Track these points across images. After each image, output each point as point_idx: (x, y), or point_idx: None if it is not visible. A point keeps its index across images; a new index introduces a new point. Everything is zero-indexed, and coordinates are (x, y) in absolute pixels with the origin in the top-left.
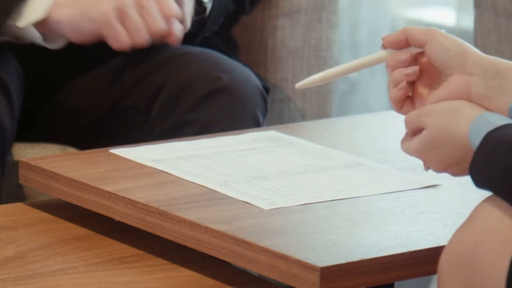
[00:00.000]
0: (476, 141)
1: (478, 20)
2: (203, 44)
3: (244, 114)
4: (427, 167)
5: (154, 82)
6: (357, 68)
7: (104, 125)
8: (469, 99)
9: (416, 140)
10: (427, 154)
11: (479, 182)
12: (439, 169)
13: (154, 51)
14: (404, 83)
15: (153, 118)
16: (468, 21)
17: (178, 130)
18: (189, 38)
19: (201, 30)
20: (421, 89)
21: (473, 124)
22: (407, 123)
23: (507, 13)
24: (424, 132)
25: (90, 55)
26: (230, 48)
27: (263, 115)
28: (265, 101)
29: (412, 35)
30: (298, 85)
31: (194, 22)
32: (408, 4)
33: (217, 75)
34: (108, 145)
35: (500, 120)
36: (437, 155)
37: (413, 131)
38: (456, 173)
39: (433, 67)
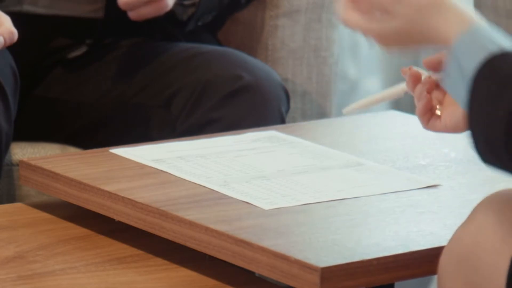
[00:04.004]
0: (467, 64)
1: None
2: (194, 39)
3: (270, 111)
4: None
5: (172, 81)
6: (398, 95)
7: (112, 123)
8: None
9: (379, 27)
10: (386, 40)
11: (475, 130)
12: (392, 47)
13: (168, 50)
14: (424, 94)
15: (173, 117)
16: None
17: (202, 128)
18: (180, 26)
19: (192, 17)
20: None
21: (462, 41)
22: None
23: (507, 13)
24: (392, 23)
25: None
26: (220, 45)
27: (286, 112)
28: (287, 97)
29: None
30: (346, 110)
31: (185, 8)
32: None
33: (238, 74)
34: (117, 143)
35: (491, 40)
36: (399, 44)
37: (370, 8)
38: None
39: None
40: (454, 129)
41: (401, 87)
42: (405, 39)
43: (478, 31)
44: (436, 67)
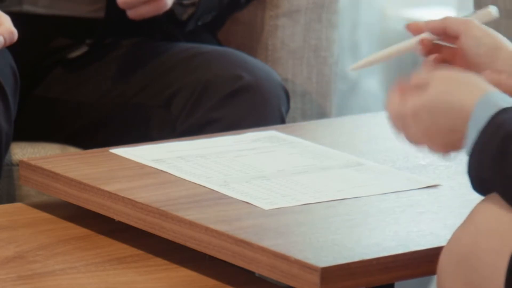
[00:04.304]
0: (482, 120)
1: None
2: (194, 39)
3: (270, 111)
4: (407, 137)
5: (172, 81)
6: (399, 53)
7: (112, 123)
8: None
9: (415, 101)
10: (420, 117)
11: (473, 168)
12: (424, 139)
13: (168, 50)
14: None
15: (173, 117)
16: None
17: (202, 128)
18: (180, 25)
19: (192, 17)
20: None
21: (478, 106)
22: (414, 78)
23: (507, 13)
24: (429, 93)
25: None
26: (220, 45)
27: (286, 112)
28: (287, 97)
29: (450, 25)
30: (353, 67)
31: (184, 7)
32: (408, 4)
33: (238, 74)
34: (117, 143)
35: (504, 100)
36: (431, 121)
37: (413, 88)
38: (437, 146)
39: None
40: None
41: (410, 41)
42: (437, 110)
43: (493, 95)
44: (435, 32)
